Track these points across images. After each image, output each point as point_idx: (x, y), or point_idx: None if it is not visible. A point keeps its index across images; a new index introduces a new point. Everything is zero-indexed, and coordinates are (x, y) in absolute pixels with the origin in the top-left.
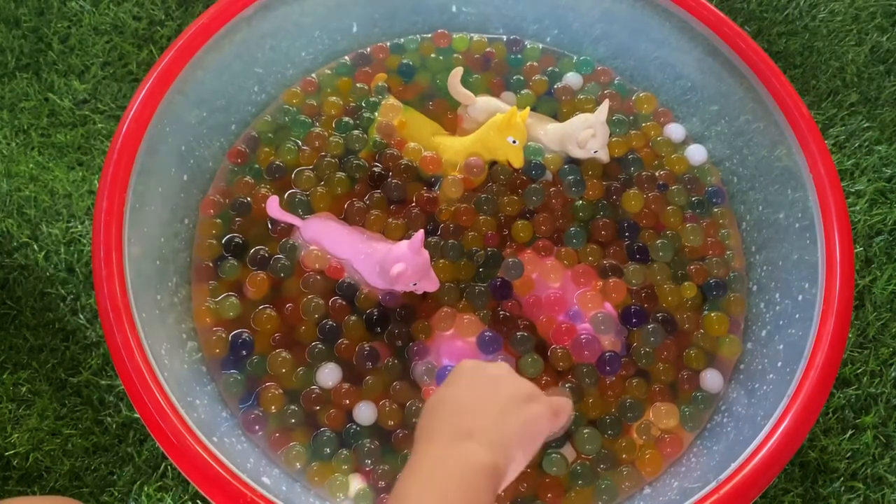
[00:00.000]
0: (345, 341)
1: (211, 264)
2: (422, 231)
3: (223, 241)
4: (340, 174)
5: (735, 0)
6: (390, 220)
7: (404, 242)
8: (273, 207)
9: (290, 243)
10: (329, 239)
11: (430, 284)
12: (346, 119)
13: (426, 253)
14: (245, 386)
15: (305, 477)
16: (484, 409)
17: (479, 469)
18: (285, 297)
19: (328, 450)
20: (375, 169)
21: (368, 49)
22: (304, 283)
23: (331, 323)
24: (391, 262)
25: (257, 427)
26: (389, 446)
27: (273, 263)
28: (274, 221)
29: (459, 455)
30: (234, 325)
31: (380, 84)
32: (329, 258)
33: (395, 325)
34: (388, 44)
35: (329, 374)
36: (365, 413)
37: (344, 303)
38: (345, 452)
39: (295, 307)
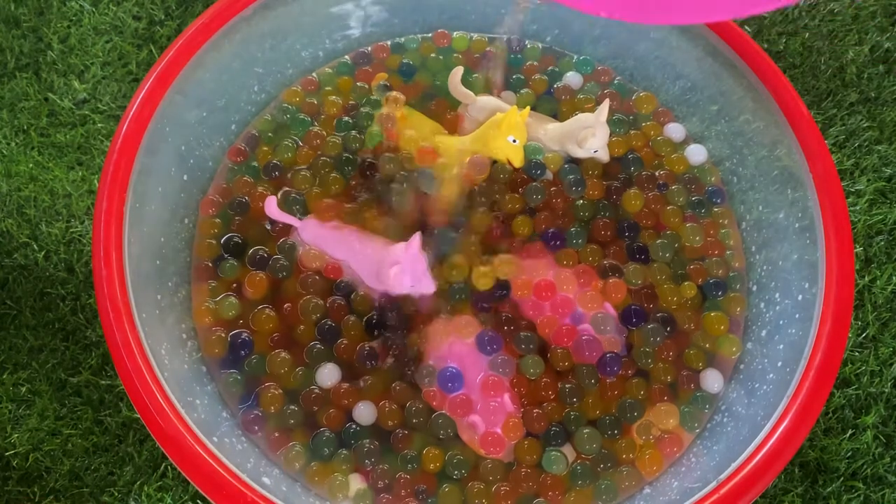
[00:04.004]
0: (344, 341)
1: (211, 264)
2: (419, 233)
3: (222, 241)
4: (337, 174)
5: None
6: (388, 220)
7: (401, 244)
8: (271, 207)
9: (288, 243)
10: (326, 240)
11: (428, 286)
12: (347, 118)
13: (424, 255)
14: (244, 386)
15: (305, 477)
16: None
17: None
18: (284, 297)
19: (328, 450)
20: (367, 158)
21: (369, 48)
22: (303, 283)
23: (330, 323)
24: (388, 264)
25: (257, 427)
26: (389, 446)
27: (272, 263)
28: (273, 221)
29: None
30: (234, 324)
31: (381, 83)
32: (327, 258)
33: (393, 326)
34: (389, 43)
35: (328, 374)
36: (364, 413)
37: (343, 302)
38: (344, 452)
39: (294, 307)
